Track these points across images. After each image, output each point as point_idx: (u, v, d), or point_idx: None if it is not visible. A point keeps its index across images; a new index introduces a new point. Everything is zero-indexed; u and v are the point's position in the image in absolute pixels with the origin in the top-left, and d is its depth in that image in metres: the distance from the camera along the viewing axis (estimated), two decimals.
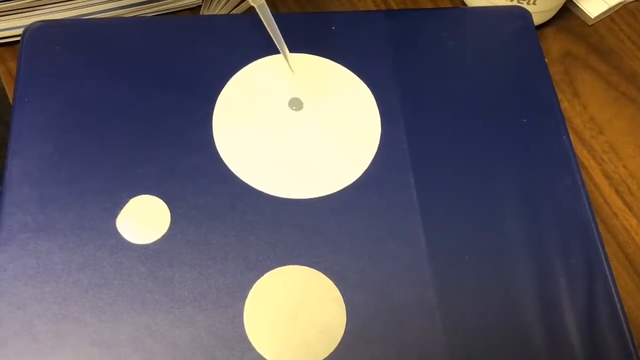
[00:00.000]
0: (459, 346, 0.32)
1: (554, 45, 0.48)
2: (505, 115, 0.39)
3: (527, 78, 0.40)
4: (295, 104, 0.38)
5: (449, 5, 0.50)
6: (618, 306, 0.34)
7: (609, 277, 0.34)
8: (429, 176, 0.36)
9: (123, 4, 0.44)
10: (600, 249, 0.35)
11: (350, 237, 0.34)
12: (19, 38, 0.40)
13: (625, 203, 0.42)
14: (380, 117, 0.38)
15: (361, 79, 0.39)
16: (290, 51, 0.38)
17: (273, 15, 0.36)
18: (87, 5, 0.44)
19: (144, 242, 0.33)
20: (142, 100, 0.37)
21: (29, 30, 0.39)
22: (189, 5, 0.47)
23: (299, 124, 0.38)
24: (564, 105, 0.45)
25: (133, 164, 0.35)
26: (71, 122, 0.36)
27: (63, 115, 0.36)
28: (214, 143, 0.36)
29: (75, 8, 0.43)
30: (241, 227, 0.34)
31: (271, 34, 0.36)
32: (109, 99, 0.37)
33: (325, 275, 0.33)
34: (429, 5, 0.50)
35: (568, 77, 0.47)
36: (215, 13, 0.47)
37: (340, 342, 0.32)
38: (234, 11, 0.47)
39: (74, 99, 0.37)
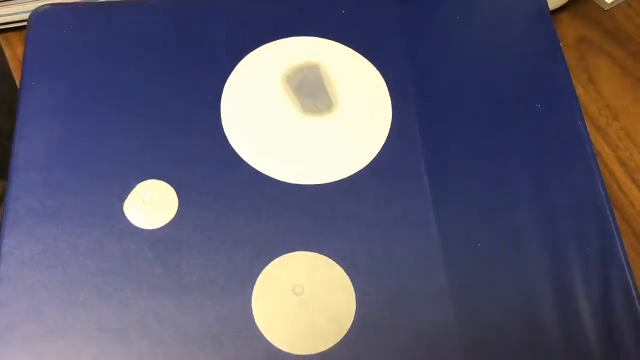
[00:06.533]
0: (471, 335, 0.32)
1: (568, 31, 0.47)
2: (519, 101, 0.38)
3: (541, 63, 0.39)
4: (305, 88, 0.37)
5: None
6: (634, 295, 0.33)
7: (625, 265, 0.34)
8: (441, 162, 0.36)
9: None
10: (616, 237, 0.34)
11: (360, 223, 0.34)
12: (26, 23, 0.39)
13: None
14: (391, 101, 0.37)
15: (372, 62, 0.38)
16: (299, 34, 0.38)
17: None
18: None
19: (152, 227, 0.33)
20: (150, 84, 0.37)
21: (36, 14, 0.38)
22: None
23: (307, 108, 0.37)
24: (579, 91, 0.44)
25: (141, 149, 0.35)
26: (78, 106, 0.36)
27: (70, 99, 0.36)
28: (222, 127, 0.36)
29: None
30: (250, 213, 0.33)
31: None
32: (117, 83, 0.37)
33: (335, 262, 0.33)
34: None
35: (583, 62, 0.46)
36: None
37: (349, 329, 0.31)
38: None
39: (81, 83, 0.36)
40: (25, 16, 0.42)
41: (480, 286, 0.33)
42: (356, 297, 0.32)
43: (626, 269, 0.34)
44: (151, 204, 0.33)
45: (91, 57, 0.37)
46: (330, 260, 0.33)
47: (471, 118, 0.37)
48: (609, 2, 0.48)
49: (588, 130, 0.38)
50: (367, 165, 0.35)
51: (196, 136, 0.35)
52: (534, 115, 0.38)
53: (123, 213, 0.33)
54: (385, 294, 0.32)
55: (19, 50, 0.44)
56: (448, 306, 0.32)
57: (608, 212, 0.35)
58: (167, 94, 0.36)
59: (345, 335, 0.31)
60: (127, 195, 0.33)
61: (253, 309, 0.31)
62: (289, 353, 0.31)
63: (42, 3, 0.40)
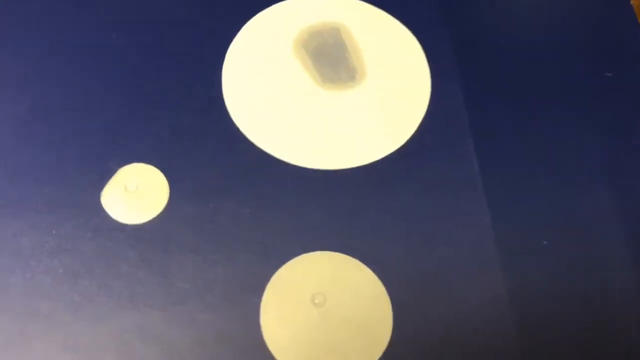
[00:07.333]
0: (537, 353, 0.27)
1: None
2: (585, 68, 0.34)
3: (608, 24, 0.35)
4: (324, 54, 0.33)
5: None
6: None
7: None
8: (493, 141, 0.31)
9: None
10: None
11: (394, 216, 0.30)
12: None
13: None
14: (430, 69, 0.33)
15: (404, 24, 0.34)
16: None
17: None
18: None
19: (135, 221, 0.29)
20: (136, 50, 0.33)
21: None
22: None
23: (328, 78, 0.33)
24: None
25: (123, 126, 0.31)
26: (50, 76, 0.32)
27: (40, 68, 0.32)
28: (224, 102, 0.32)
29: None
30: (257, 204, 0.29)
31: None
32: (96, 48, 0.33)
33: (365, 264, 0.28)
34: None
35: None
36: None
37: (386, 350, 0.27)
38: None
39: (55, 49, 0.33)
40: None
41: (547, 293, 0.28)
42: (393, 309, 0.28)
43: None
44: (135, 193, 0.30)
45: (66, 18, 0.34)
46: (359, 263, 0.28)
47: (527, 89, 0.33)
48: None
49: None
50: (402, 146, 0.31)
51: (192, 111, 0.32)
52: (603, 84, 0.33)
53: (100, 204, 0.29)
54: (429, 304, 0.28)
55: None
56: (508, 318, 0.28)
57: None
58: (157, 61, 0.33)
59: (381, 357, 0.27)
60: (105, 183, 0.30)
61: (262, 323, 0.27)
62: None
63: None
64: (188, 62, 0.33)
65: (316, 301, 0.27)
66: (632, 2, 0.35)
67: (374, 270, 0.28)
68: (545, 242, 0.29)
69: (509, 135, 0.32)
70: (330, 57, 0.33)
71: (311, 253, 0.29)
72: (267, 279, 0.28)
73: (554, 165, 0.31)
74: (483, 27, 0.35)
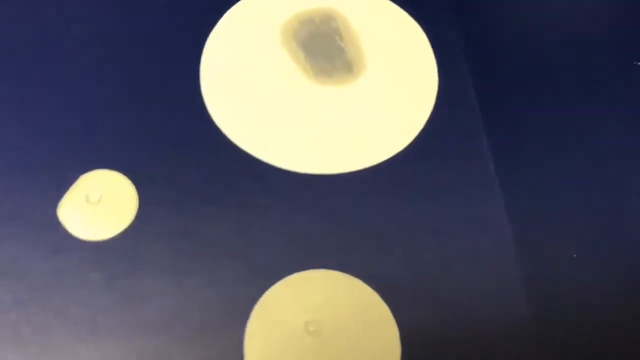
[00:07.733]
0: None
1: None
2: (611, 55, 0.31)
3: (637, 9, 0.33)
4: (318, 45, 0.31)
5: None
6: None
7: None
8: (512, 140, 0.29)
9: None
10: None
11: (399, 228, 0.27)
12: None
13: None
14: (437, 61, 0.31)
15: (407, 11, 0.32)
16: None
17: None
18: None
19: (98, 237, 0.27)
20: (100, 39, 0.30)
21: None
22: None
23: (321, 71, 0.30)
24: None
25: (85, 127, 0.29)
26: None
27: None
28: (203, 99, 0.30)
29: None
30: (241, 215, 0.27)
31: None
32: (52, 38, 0.31)
33: (366, 283, 0.26)
34: None
35: None
36: None
37: None
38: None
39: (5, 42, 0.30)
40: None
41: (579, 314, 0.26)
42: (400, 335, 0.25)
43: None
44: (99, 204, 0.28)
45: (18, 5, 0.31)
46: (360, 282, 0.26)
47: (546, 80, 0.31)
48: None
49: None
50: (407, 148, 0.29)
51: (165, 110, 0.29)
52: (630, 75, 0.31)
53: (57, 218, 0.27)
54: (441, 328, 0.26)
55: None
56: (532, 344, 0.25)
57: None
58: (124, 52, 0.30)
59: None
60: (63, 193, 0.28)
61: (246, 354, 0.25)
62: None
63: None
64: (161, 52, 0.30)
65: (311, 329, 0.25)
66: None
67: (378, 291, 0.26)
68: (575, 255, 0.26)
69: (529, 131, 0.29)
70: (323, 47, 0.30)
71: (304, 272, 0.27)
72: (252, 303, 0.26)
73: (584, 167, 0.28)
74: (496, 13, 0.33)
